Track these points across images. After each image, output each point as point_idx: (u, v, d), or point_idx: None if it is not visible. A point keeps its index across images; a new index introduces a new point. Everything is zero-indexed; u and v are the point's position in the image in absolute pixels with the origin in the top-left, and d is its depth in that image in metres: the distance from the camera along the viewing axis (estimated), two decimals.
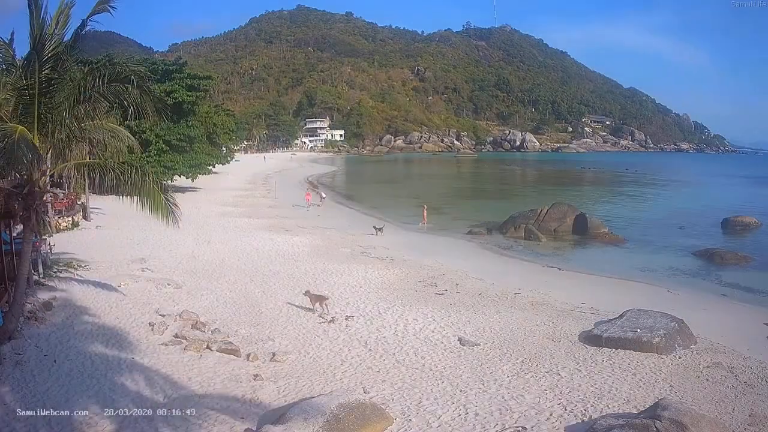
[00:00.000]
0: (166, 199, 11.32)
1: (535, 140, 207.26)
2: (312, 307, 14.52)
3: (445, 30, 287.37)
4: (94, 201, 29.72)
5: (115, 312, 12.96)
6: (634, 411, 8.66)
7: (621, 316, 13.91)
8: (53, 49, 10.01)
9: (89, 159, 12.88)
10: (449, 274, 19.90)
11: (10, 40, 10.51)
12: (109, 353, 10.70)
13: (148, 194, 11.12)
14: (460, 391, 10.06)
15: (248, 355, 11.31)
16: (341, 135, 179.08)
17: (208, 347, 11.39)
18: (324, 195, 44.08)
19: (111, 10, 10.34)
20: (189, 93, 42.58)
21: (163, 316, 12.99)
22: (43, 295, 13.44)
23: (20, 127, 9.73)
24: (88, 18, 10.25)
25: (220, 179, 57.16)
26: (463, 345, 12.50)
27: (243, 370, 10.59)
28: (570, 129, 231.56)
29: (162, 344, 11.41)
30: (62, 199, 26.12)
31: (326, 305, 14.48)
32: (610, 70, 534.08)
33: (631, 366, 11.34)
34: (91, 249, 20.05)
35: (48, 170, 10.94)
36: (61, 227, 23.96)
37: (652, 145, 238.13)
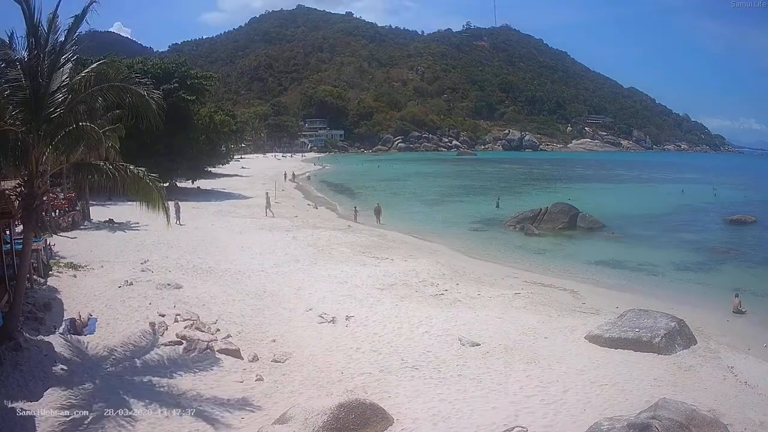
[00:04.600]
0: (162, 200, 11.32)
1: (535, 140, 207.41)
2: None
3: (446, 30, 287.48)
4: (93, 202, 29.72)
5: (115, 312, 12.94)
6: (634, 411, 8.65)
7: (621, 315, 13.92)
8: (52, 49, 9.99)
9: (88, 159, 12.83)
10: (450, 274, 19.89)
11: (9, 40, 10.47)
12: (109, 354, 10.70)
13: (146, 195, 11.13)
14: (461, 391, 10.05)
15: (249, 356, 11.32)
16: (341, 135, 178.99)
17: (209, 348, 11.37)
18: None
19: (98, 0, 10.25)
20: (189, 94, 42.52)
21: (164, 316, 12.96)
22: (43, 296, 13.43)
23: (20, 127, 9.72)
24: (82, 16, 10.21)
25: (220, 180, 57.15)
26: (463, 345, 12.49)
27: (244, 371, 10.61)
28: (570, 129, 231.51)
29: (163, 344, 11.39)
30: (62, 200, 26.12)
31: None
32: (611, 70, 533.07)
33: (632, 366, 11.33)
34: (90, 249, 20.04)
35: (47, 170, 10.92)
36: (61, 227, 23.94)
37: (653, 146, 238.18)
